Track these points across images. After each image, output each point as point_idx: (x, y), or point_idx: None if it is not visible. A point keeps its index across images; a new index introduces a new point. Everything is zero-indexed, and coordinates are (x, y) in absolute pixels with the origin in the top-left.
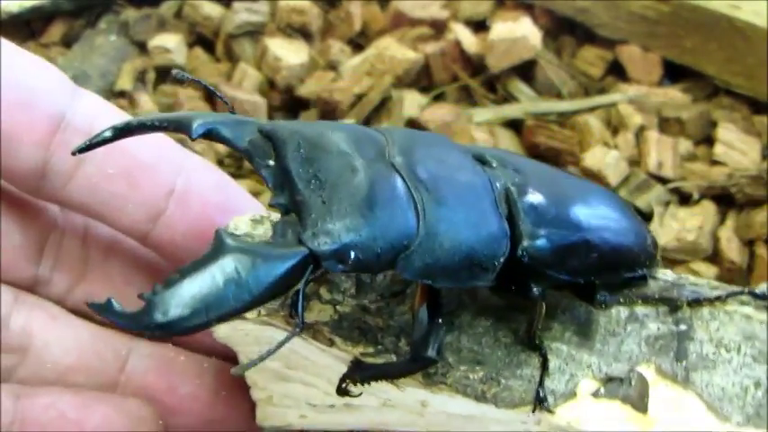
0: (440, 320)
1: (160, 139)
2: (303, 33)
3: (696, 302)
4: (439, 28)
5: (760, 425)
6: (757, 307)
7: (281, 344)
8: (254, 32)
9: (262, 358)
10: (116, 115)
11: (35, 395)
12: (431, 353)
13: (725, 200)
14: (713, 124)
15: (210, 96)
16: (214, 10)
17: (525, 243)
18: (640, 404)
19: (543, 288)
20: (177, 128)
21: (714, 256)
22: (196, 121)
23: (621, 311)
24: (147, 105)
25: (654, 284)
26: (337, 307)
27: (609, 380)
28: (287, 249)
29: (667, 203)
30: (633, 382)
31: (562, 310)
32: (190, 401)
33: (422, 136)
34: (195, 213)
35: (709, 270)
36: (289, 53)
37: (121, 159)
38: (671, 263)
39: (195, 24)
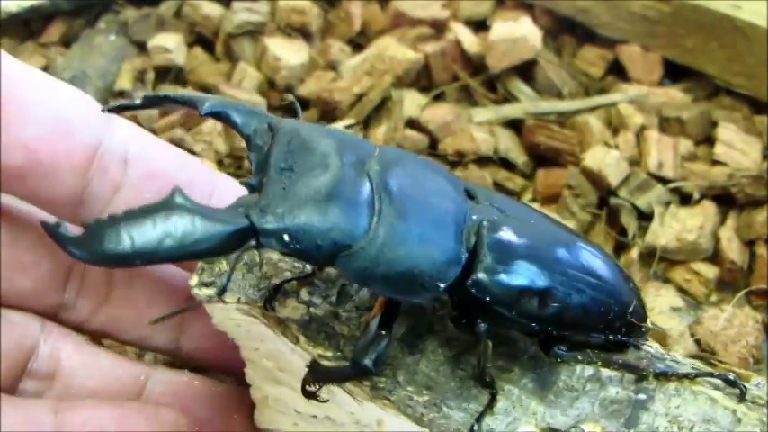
0: (384, 333)
1: (192, 162)
2: (303, 33)
3: (663, 376)
4: (439, 28)
5: None
6: (726, 394)
7: (187, 308)
8: (254, 32)
9: (164, 317)
10: (148, 140)
11: (73, 409)
12: (366, 361)
13: (725, 200)
14: (714, 124)
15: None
16: (214, 10)
17: (478, 275)
18: None
19: (491, 326)
20: (192, 104)
21: (714, 257)
22: (210, 101)
23: (586, 369)
24: None
25: (627, 353)
26: (311, 308)
27: (550, 430)
28: (230, 217)
29: (668, 203)
30: None
31: (529, 356)
32: (204, 425)
33: (416, 160)
34: None
35: (710, 270)
36: (288, 53)
37: (158, 183)
38: (671, 263)
39: (195, 24)
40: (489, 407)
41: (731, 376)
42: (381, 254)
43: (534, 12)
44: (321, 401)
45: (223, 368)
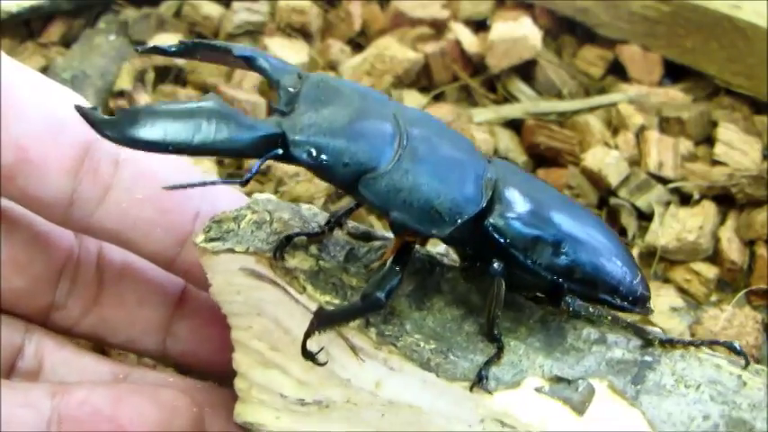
0: (398, 269)
1: (183, 164)
2: (303, 33)
3: (669, 343)
4: (439, 28)
5: None
6: (731, 362)
7: (217, 182)
8: (254, 32)
9: (183, 185)
10: None
11: (70, 392)
12: (379, 293)
13: (725, 200)
14: (714, 124)
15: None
16: (214, 9)
17: (496, 217)
18: (579, 407)
19: (505, 269)
20: (225, 49)
21: (714, 257)
22: (242, 47)
23: (592, 333)
24: None
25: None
26: (320, 261)
27: (557, 380)
28: (263, 124)
29: (668, 203)
30: (579, 389)
31: (535, 319)
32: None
33: (439, 122)
34: None
35: (710, 270)
36: (289, 53)
37: (149, 184)
38: (671, 263)
39: (195, 24)
40: (497, 357)
41: (737, 345)
42: (405, 180)
43: (534, 12)
44: (319, 364)
45: (208, 371)
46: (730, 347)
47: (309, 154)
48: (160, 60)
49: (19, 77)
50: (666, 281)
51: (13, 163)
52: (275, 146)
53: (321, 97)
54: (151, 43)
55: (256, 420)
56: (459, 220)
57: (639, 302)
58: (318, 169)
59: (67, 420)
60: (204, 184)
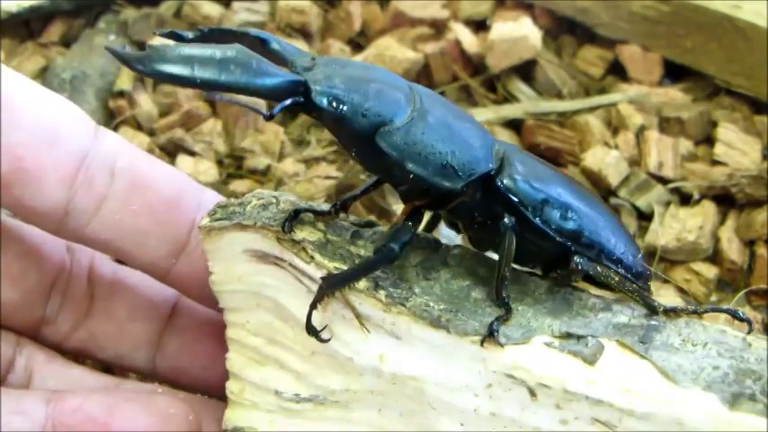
0: (410, 224)
1: (179, 176)
2: (303, 33)
3: (674, 311)
4: (439, 28)
5: (708, 391)
6: (735, 328)
7: (243, 104)
8: None
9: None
10: (136, 153)
11: (64, 399)
12: (393, 245)
13: (725, 200)
14: (713, 124)
15: (210, 96)
16: (214, 9)
17: (507, 177)
18: (591, 359)
19: (515, 224)
20: (243, 33)
21: (714, 257)
22: (258, 31)
23: (598, 303)
24: (147, 105)
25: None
26: (327, 235)
27: (566, 336)
28: (287, 72)
29: (668, 203)
30: (589, 344)
31: (541, 291)
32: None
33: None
34: None
35: (710, 270)
36: None
37: (144, 196)
38: (671, 263)
39: (195, 24)
40: (505, 317)
41: (740, 312)
42: (421, 135)
43: (534, 12)
44: (322, 341)
45: (197, 388)
46: (734, 314)
47: (330, 103)
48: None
49: (16, 86)
50: (666, 281)
51: (9, 172)
52: (297, 94)
53: (339, 66)
54: (151, 43)
55: (247, 424)
56: (473, 176)
57: (641, 278)
58: (337, 119)
59: (61, 427)
60: (232, 101)
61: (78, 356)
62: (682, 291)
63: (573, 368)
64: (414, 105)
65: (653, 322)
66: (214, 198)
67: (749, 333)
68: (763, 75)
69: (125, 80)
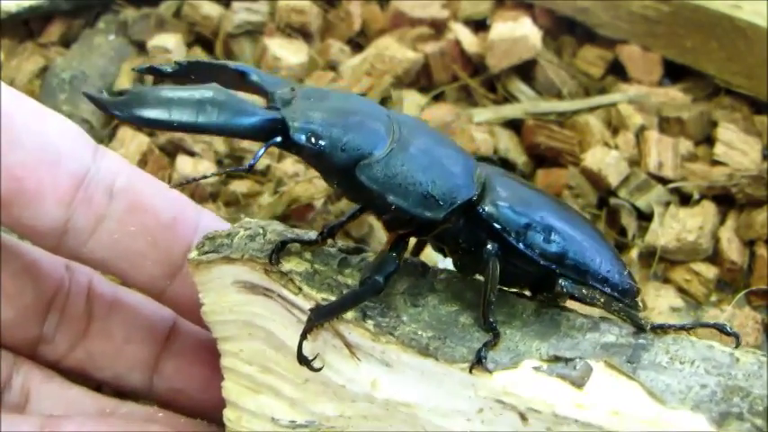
0: (394, 255)
1: (177, 197)
2: (303, 33)
3: (661, 328)
4: (439, 28)
5: (696, 411)
6: (723, 342)
7: (221, 172)
8: (254, 32)
9: (212, 174)
10: (135, 173)
11: (59, 425)
12: (378, 277)
13: (725, 200)
14: (713, 124)
15: None
16: (213, 9)
17: (489, 204)
18: (579, 382)
19: (498, 250)
20: (220, 66)
21: (714, 257)
22: (236, 64)
23: (585, 322)
24: None
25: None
26: (314, 265)
27: (554, 359)
28: (264, 110)
29: (667, 204)
30: (577, 366)
31: (528, 313)
32: None
33: (429, 126)
34: None
35: (710, 270)
36: (288, 53)
37: (142, 218)
38: (671, 263)
39: (194, 24)
40: (493, 342)
41: (727, 326)
42: (401, 166)
43: (534, 12)
44: (314, 370)
45: (193, 410)
46: (721, 329)
47: (308, 139)
48: (160, 60)
49: (15, 106)
50: (666, 281)
51: (9, 192)
52: (276, 132)
53: (317, 98)
54: (151, 43)
55: None
56: (454, 204)
57: (628, 295)
58: (316, 155)
59: None
60: (207, 176)
61: (76, 376)
62: (682, 290)
63: (562, 392)
64: (393, 136)
65: (640, 341)
66: (211, 220)
67: (737, 347)
68: (763, 75)
69: (125, 80)
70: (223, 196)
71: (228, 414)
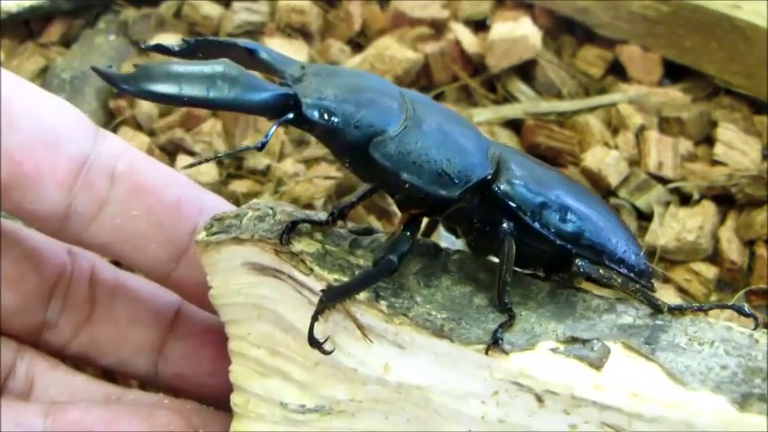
0: (408, 234)
1: (181, 180)
2: (303, 33)
3: (679, 310)
4: (439, 28)
5: (717, 392)
6: (741, 323)
7: (232, 153)
8: (254, 32)
9: (225, 154)
10: (137, 156)
11: (63, 411)
12: (392, 256)
13: (725, 200)
14: (713, 124)
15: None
16: (213, 10)
17: (505, 182)
18: (597, 363)
19: (513, 229)
20: (229, 44)
21: (714, 257)
22: (245, 41)
23: (602, 304)
24: (147, 105)
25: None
26: (326, 246)
27: (571, 340)
28: (275, 86)
29: (667, 203)
30: (595, 348)
31: (543, 294)
32: None
33: (442, 105)
34: None
35: (710, 270)
36: (288, 53)
37: (145, 200)
38: (671, 263)
39: (194, 24)
40: (509, 323)
41: (745, 308)
42: (415, 143)
43: (534, 12)
44: (325, 353)
45: (200, 395)
46: (739, 310)
47: (321, 115)
48: (160, 59)
49: (15, 90)
50: (666, 281)
51: (9, 177)
52: (287, 108)
53: (328, 75)
54: (152, 43)
55: None
56: (469, 183)
57: (644, 276)
58: (329, 132)
59: None
60: (218, 157)
61: (80, 362)
62: (682, 290)
63: (580, 373)
64: (406, 113)
65: (658, 322)
66: (215, 202)
67: (755, 329)
68: (763, 75)
69: None
70: (223, 196)
71: (236, 399)
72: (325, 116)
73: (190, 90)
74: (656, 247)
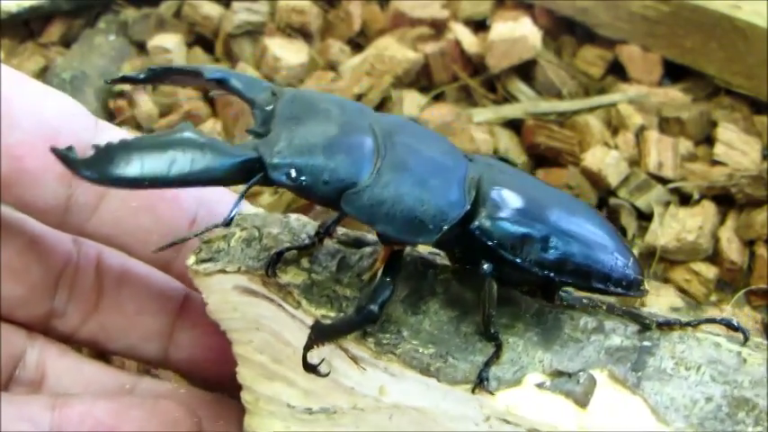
0: (389, 280)
1: None
2: (303, 33)
3: (667, 325)
4: (439, 28)
5: (701, 429)
6: (730, 339)
7: (208, 228)
8: (254, 32)
9: (185, 239)
10: None
11: (69, 405)
12: (372, 306)
13: (725, 200)
14: (713, 124)
15: (210, 96)
16: (213, 10)
17: (482, 220)
18: (582, 400)
19: (495, 268)
20: (195, 73)
21: (714, 257)
22: (212, 69)
23: (589, 322)
24: (147, 105)
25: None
26: (312, 274)
27: (557, 374)
28: (240, 150)
29: (667, 204)
30: (581, 381)
31: (532, 312)
32: None
33: (418, 125)
34: None
35: (710, 270)
36: (288, 53)
37: (144, 192)
38: (671, 263)
39: (194, 24)
40: (496, 357)
41: (734, 321)
42: (387, 192)
43: (534, 12)
44: (321, 375)
45: (212, 380)
46: (728, 324)
47: (288, 176)
48: (160, 60)
49: (14, 85)
50: (666, 281)
51: (9, 172)
52: (255, 171)
53: (296, 114)
54: (151, 43)
55: (267, 431)
56: (445, 226)
57: (633, 287)
58: (299, 190)
59: None
60: (188, 238)
61: (90, 348)
62: (682, 291)
63: (565, 412)
64: (377, 153)
65: (645, 343)
66: (213, 192)
67: (745, 343)
68: (763, 75)
69: None
70: None
71: (246, 396)
72: (293, 176)
73: (152, 171)
74: (656, 247)
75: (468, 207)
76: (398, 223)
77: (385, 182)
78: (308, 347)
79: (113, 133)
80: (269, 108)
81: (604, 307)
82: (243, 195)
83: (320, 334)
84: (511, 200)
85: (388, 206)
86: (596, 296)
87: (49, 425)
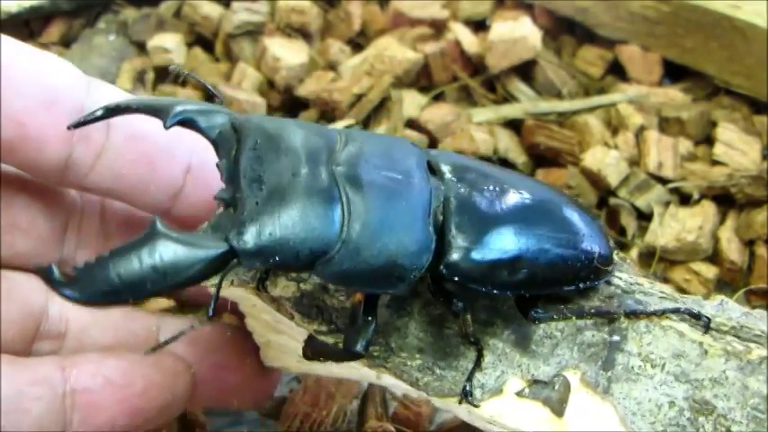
0: (370, 318)
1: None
2: (302, 33)
3: (634, 315)
4: (439, 28)
5: None
6: (693, 325)
7: (178, 334)
8: (254, 32)
9: (165, 342)
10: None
11: (78, 364)
12: (358, 348)
13: (725, 200)
14: (713, 124)
15: (210, 96)
16: (213, 10)
17: (449, 258)
18: (558, 408)
19: (466, 302)
20: (156, 113)
21: (714, 257)
22: (174, 108)
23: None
24: None
25: (596, 295)
26: (300, 285)
27: (534, 382)
28: (211, 243)
29: (667, 203)
30: (556, 387)
31: (508, 306)
32: (217, 370)
33: (379, 140)
34: (211, 187)
35: (710, 270)
36: (288, 53)
37: (140, 145)
38: (671, 263)
39: (194, 24)
40: (477, 364)
41: (695, 310)
42: (357, 255)
43: (534, 12)
44: (321, 362)
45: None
46: (691, 314)
47: (261, 260)
48: (160, 60)
49: (13, 52)
50: (666, 281)
51: (13, 138)
52: (229, 260)
53: (259, 169)
54: (151, 43)
55: (283, 364)
56: (416, 275)
57: (601, 275)
58: (273, 267)
59: (82, 393)
60: (169, 341)
61: None
62: (682, 290)
63: (543, 420)
64: (343, 209)
65: (615, 338)
66: (204, 141)
67: (706, 332)
68: (763, 75)
69: (125, 80)
70: None
71: (258, 338)
72: (265, 258)
73: (130, 287)
74: (655, 247)
75: (434, 244)
76: (372, 281)
77: (354, 243)
78: (305, 354)
79: (107, 90)
80: (232, 154)
81: (574, 318)
82: (220, 287)
83: (314, 350)
84: (477, 225)
85: (360, 269)
86: (565, 307)
87: (61, 385)
